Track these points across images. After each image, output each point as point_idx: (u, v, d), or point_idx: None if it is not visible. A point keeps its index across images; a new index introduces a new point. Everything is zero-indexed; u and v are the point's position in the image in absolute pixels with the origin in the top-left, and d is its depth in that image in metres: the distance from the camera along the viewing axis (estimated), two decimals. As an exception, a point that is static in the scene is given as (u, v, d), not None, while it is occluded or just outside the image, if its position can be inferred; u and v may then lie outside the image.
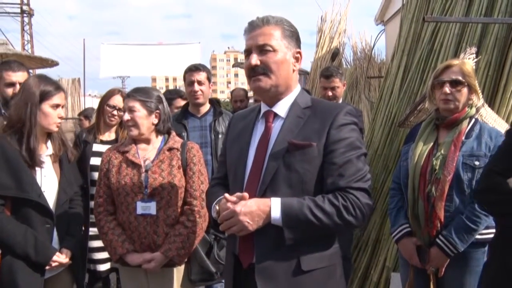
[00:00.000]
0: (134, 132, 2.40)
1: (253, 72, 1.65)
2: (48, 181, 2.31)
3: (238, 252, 1.69)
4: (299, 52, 1.71)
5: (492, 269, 1.76)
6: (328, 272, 1.64)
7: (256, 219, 1.54)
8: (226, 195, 1.61)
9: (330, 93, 3.87)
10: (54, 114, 2.31)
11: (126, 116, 2.38)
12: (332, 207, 1.54)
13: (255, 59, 1.63)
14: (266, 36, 1.63)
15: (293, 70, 1.70)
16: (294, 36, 1.69)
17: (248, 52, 1.68)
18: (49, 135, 2.39)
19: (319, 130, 1.61)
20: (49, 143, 2.39)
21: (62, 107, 2.37)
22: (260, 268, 1.59)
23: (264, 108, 1.75)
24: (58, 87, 2.34)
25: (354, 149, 1.60)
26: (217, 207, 1.68)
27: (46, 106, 2.28)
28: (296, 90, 1.74)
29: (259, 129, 1.74)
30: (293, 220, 1.53)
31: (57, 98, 2.32)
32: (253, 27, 1.67)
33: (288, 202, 1.54)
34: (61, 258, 2.26)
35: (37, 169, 2.27)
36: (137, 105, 2.38)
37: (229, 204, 1.57)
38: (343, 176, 1.57)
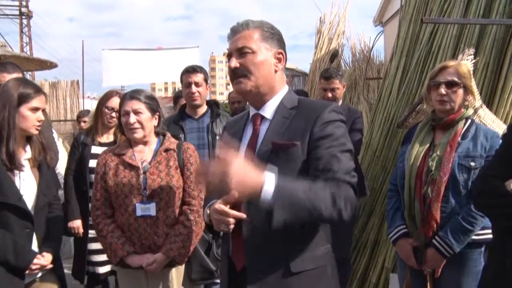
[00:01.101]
0: (140, 134, 2.40)
1: (234, 75, 1.66)
2: (26, 185, 2.25)
3: (231, 255, 1.69)
4: (281, 53, 1.70)
5: (491, 272, 1.76)
6: (319, 274, 1.61)
7: (247, 181, 1.38)
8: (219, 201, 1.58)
9: (329, 95, 3.86)
10: (33, 117, 2.25)
11: (132, 119, 2.37)
12: (325, 188, 1.46)
13: (234, 62, 1.64)
14: (245, 39, 1.65)
15: (276, 71, 1.70)
16: (275, 37, 1.70)
17: (229, 56, 1.69)
18: (28, 139, 2.34)
19: (303, 129, 1.60)
20: (28, 147, 2.33)
21: (43, 110, 2.32)
22: (250, 271, 1.59)
23: (252, 111, 1.76)
24: (37, 90, 2.30)
25: (340, 145, 1.57)
26: (208, 211, 1.67)
27: (24, 109, 2.23)
28: (282, 91, 1.73)
29: (248, 132, 1.74)
30: (286, 194, 1.40)
31: (36, 101, 2.26)
32: (234, 32, 1.69)
33: (282, 178, 1.42)
34: (42, 261, 2.20)
35: (16, 173, 2.22)
36: (142, 107, 2.40)
37: (217, 205, 1.52)
38: (330, 170, 1.51)
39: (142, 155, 2.44)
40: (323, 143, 1.56)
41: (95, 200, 2.44)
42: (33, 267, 2.17)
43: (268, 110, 1.71)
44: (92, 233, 2.94)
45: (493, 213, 1.77)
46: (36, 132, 2.30)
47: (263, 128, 1.69)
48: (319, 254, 1.63)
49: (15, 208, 2.14)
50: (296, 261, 1.57)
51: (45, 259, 2.22)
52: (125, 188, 2.34)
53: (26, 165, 2.28)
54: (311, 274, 1.60)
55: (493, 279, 1.72)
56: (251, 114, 1.77)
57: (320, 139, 1.56)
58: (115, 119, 3.19)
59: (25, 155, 2.29)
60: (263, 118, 1.71)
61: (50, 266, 2.26)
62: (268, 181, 1.40)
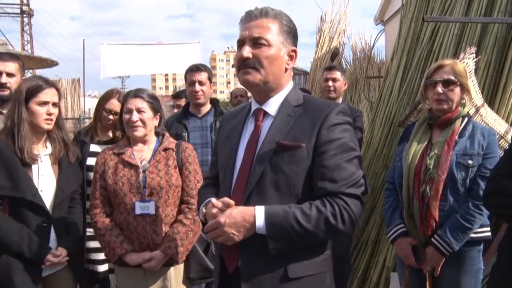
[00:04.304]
0: (141, 132, 2.42)
1: (243, 64, 1.57)
2: (45, 180, 2.32)
3: (224, 255, 1.64)
4: (295, 51, 1.63)
5: (501, 270, 1.76)
6: (317, 280, 1.56)
7: (242, 229, 1.48)
8: (213, 200, 1.55)
9: (330, 83, 3.89)
10: (41, 111, 2.30)
11: (135, 117, 2.39)
12: (319, 215, 1.46)
13: (247, 51, 1.54)
14: (262, 29, 1.55)
15: (286, 69, 1.63)
16: (291, 33, 1.62)
17: (241, 43, 1.59)
18: (49, 135, 2.40)
19: (309, 130, 1.53)
20: (49, 143, 2.40)
21: (54, 104, 2.35)
22: (245, 273, 1.54)
23: (254, 106, 1.69)
24: (46, 84, 2.34)
25: (346, 151, 1.52)
26: (204, 210, 1.64)
27: (33, 104, 2.29)
28: (287, 87, 1.66)
29: (249, 128, 1.67)
30: (278, 229, 1.46)
31: (43, 95, 2.31)
32: (250, 17, 1.59)
33: (272, 211, 1.47)
34: (53, 257, 2.25)
35: (34, 168, 2.29)
36: (145, 106, 2.42)
37: (214, 211, 1.52)
38: (334, 181, 1.49)
39: (141, 154, 2.45)
40: (329, 149, 1.51)
41: (94, 199, 2.44)
42: (47, 263, 2.23)
43: (272, 106, 1.63)
44: (90, 231, 2.93)
45: (503, 213, 1.76)
46: (48, 126, 2.35)
47: (265, 125, 1.63)
48: (319, 260, 1.58)
49: (31, 203, 2.21)
50: (294, 267, 1.52)
51: (59, 255, 2.28)
52: (124, 187, 2.35)
53: (47, 161, 2.35)
54: (310, 280, 1.54)
55: (502, 276, 1.72)
56: (253, 108, 1.69)
57: (326, 143, 1.51)
58: (113, 121, 3.17)
59: (46, 151, 2.37)
60: (265, 113, 1.64)
61: (64, 260, 2.31)
62: (258, 218, 1.47)
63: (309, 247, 1.55)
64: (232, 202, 1.52)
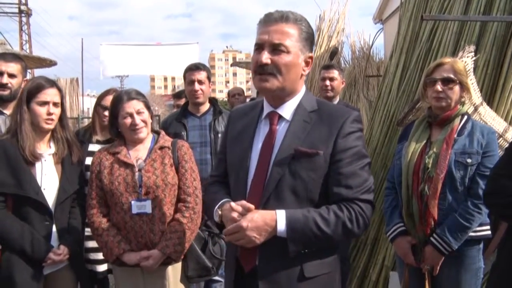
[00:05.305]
0: (145, 133, 2.44)
1: (260, 69, 1.56)
2: (48, 179, 2.34)
3: (239, 255, 1.66)
4: (311, 57, 1.64)
5: (501, 269, 1.76)
6: (329, 279, 1.63)
7: (263, 233, 1.52)
8: (232, 204, 1.57)
9: (327, 83, 3.88)
10: (41, 111, 2.32)
11: (138, 119, 2.39)
12: (337, 219, 1.53)
13: (266, 57, 1.54)
14: (282, 35, 1.55)
15: (302, 75, 1.64)
16: (309, 39, 1.62)
17: (259, 46, 1.58)
18: (53, 135, 2.42)
19: (326, 138, 1.57)
20: (53, 142, 2.43)
21: (55, 104, 2.36)
22: (263, 272, 1.58)
23: (267, 108, 1.69)
24: (46, 84, 2.36)
25: (360, 158, 1.59)
26: (220, 212, 1.64)
27: (33, 104, 2.32)
28: (301, 92, 1.68)
29: (262, 130, 1.68)
30: (298, 233, 1.52)
31: (43, 95, 2.32)
32: (270, 20, 1.57)
33: (293, 216, 1.52)
34: (54, 256, 2.27)
35: (38, 167, 2.31)
36: (143, 106, 2.44)
37: (233, 215, 1.54)
38: (350, 188, 1.56)
39: (137, 153, 2.45)
40: (345, 156, 1.57)
41: (90, 199, 2.44)
42: (48, 261, 2.25)
43: (287, 111, 1.65)
44: (88, 231, 2.93)
45: (503, 213, 1.76)
46: (48, 126, 2.37)
47: (280, 129, 1.64)
48: (331, 260, 1.65)
49: (34, 201, 2.24)
50: (310, 266, 1.58)
51: (60, 253, 2.30)
52: (120, 186, 2.35)
53: (50, 160, 2.38)
54: (322, 279, 1.61)
55: (502, 275, 1.72)
56: (265, 110, 1.70)
57: (342, 151, 1.57)
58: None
59: (49, 150, 2.39)
60: (280, 117, 1.66)
61: (65, 258, 2.33)
62: (279, 222, 1.52)
63: (323, 248, 1.62)
64: (252, 206, 1.54)
